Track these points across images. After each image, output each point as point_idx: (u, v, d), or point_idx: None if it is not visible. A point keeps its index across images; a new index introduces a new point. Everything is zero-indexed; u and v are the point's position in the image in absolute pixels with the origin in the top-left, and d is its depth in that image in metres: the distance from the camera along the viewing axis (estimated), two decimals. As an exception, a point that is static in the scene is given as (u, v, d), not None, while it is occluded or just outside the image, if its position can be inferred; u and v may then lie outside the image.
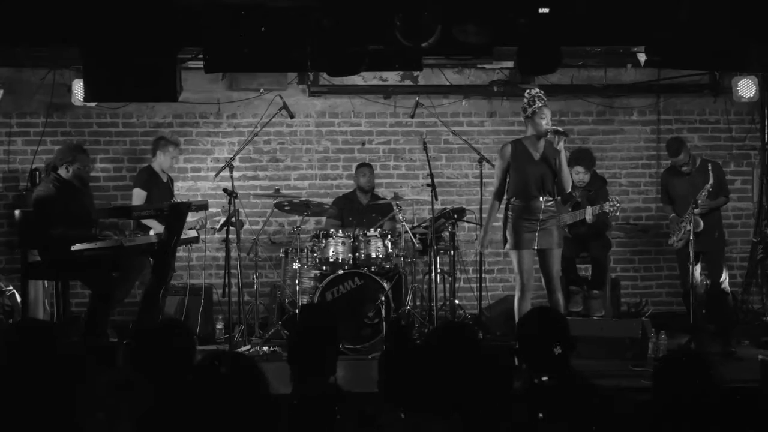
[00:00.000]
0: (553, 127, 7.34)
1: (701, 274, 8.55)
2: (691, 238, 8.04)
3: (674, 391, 3.40)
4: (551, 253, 7.43)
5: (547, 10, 6.21)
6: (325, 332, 3.74)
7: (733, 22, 6.85)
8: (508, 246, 7.48)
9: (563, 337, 3.85)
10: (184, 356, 3.66)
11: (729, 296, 8.60)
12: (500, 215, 7.64)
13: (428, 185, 8.45)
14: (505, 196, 7.56)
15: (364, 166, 9.57)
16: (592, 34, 6.99)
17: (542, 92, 7.39)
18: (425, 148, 8.57)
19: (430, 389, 3.28)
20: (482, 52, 6.87)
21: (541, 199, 7.39)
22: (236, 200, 8.25)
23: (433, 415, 3.24)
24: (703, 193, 8.21)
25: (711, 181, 8.21)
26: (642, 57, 7.52)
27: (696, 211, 8.16)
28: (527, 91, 7.44)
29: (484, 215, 9.02)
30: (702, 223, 8.19)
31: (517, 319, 7.18)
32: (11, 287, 8.80)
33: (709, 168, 8.29)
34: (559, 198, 7.65)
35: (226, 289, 8.32)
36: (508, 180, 7.50)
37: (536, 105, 7.33)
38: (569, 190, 7.63)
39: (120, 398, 3.39)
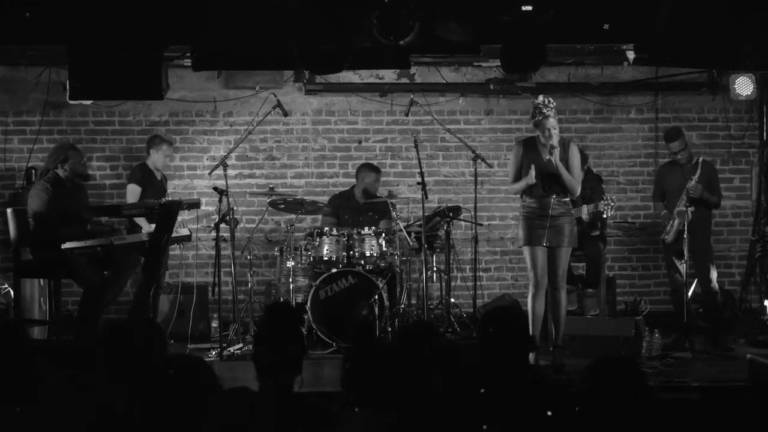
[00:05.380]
0: (551, 143, 7.28)
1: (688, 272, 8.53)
2: (684, 231, 8.04)
3: (602, 396, 3.34)
4: (560, 251, 7.43)
5: (530, 8, 6.19)
6: (289, 332, 3.73)
7: (723, 19, 6.81)
8: (521, 242, 7.50)
9: (523, 335, 3.84)
10: (148, 354, 3.66)
11: (717, 295, 8.54)
12: (516, 213, 7.61)
13: (418, 183, 8.42)
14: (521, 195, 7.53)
15: (374, 172, 9.43)
16: (578, 32, 6.96)
17: (548, 101, 7.27)
18: (416, 147, 8.54)
19: (385, 386, 3.30)
20: (466, 50, 6.85)
21: (551, 197, 7.38)
22: (230, 198, 8.23)
23: (385, 409, 3.25)
24: (691, 183, 8.20)
25: (698, 172, 8.22)
26: (631, 54, 7.48)
27: (684, 201, 8.16)
28: (533, 99, 7.38)
29: (479, 213, 9.10)
30: (691, 216, 8.18)
31: (530, 316, 7.28)
32: (6, 285, 8.84)
33: (699, 162, 8.33)
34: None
35: (216, 288, 8.31)
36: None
37: (537, 118, 7.29)
38: (576, 195, 7.60)
39: (81, 398, 3.40)
